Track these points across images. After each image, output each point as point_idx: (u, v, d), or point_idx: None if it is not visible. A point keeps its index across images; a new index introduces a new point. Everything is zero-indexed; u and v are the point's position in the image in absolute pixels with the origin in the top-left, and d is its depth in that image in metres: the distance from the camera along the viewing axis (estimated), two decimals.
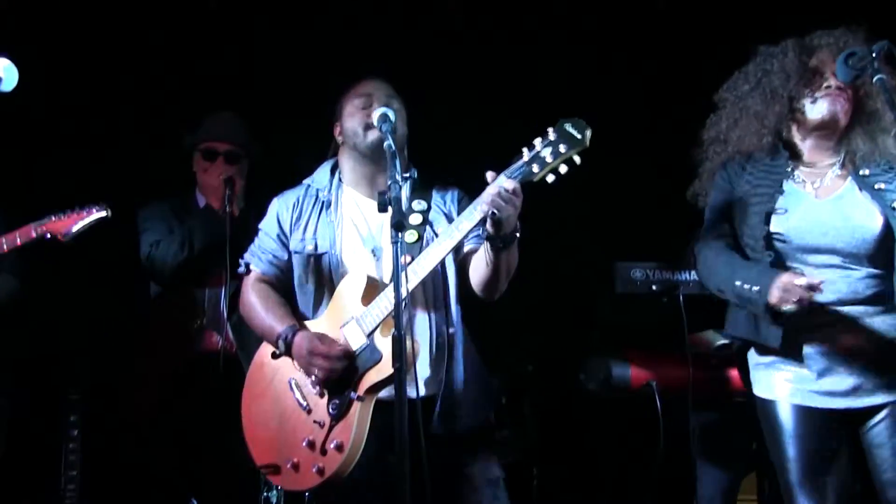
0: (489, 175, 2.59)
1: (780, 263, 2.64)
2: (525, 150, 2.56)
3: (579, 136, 2.49)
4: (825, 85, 2.71)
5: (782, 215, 2.66)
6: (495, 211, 2.53)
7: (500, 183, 2.54)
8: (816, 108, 2.71)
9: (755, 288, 2.56)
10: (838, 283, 2.61)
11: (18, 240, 3.27)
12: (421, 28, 4.60)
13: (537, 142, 2.55)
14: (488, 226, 2.60)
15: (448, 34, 4.61)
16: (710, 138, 2.92)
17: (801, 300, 2.47)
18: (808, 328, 2.61)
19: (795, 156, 2.78)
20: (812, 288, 2.47)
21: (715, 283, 2.74)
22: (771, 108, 2.77)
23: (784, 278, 2.51)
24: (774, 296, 2.51)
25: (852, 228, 2.62)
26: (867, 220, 2.62)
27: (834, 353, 2.61)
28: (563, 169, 2.52)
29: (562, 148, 2.50)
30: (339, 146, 3.02)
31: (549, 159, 2.51)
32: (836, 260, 2.63)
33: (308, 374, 2.79)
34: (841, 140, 2.76)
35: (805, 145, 2.78)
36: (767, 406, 2.71)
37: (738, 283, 2.61)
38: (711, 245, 2.79)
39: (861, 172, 2.72)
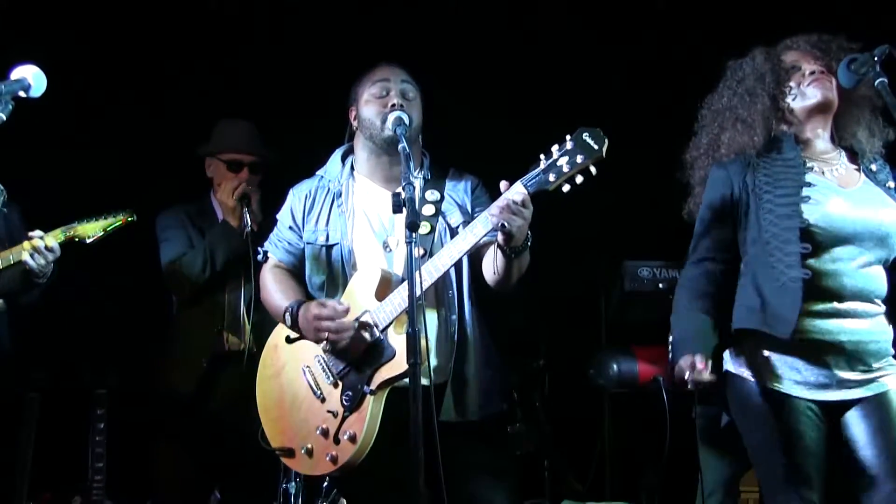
0: (503, 185, 2.59)
1: (812, 255, 2.57)
2: (542, 157, 2.56)
3: (596, 147, 2.48)
4: (808, 72, 2.73)
5: (814, 205, 2.60)
6: (505, 223, 2.53)
7: (510, 196, 2.55)
8: (808, 95, 2.72)
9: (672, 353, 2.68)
10: (855, 276, 2.59)
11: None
12: (426, 15, 4.63)
13: (554, 149, 2.54)
14: (499, 237, 2.61)
15: (453, 22, 4.63)
16: (694, 156, 2.89)
17: (686, 384, 2.58)
18: (820, 316, 2.58)
19: (804, 147, 2.76)
20: (695, 375, 2.56)
21: (672, 322, 2.81)
22: (753, 107, 2.75)
23: (682, 361, 2.60)
24: (676, 372, 2.63)
25: (878, 221, 2.62)
26: (888, 215, 2.63)
27: (828, 345, 2.57)
28: (578, 179, 2.51)
29: (578, 158, 2.49)
30: (355, 131, 3.02)
31: (565, 169, 2.50)
32: (858, 252, 2.60)
33: (317, 341, 2.80)
34: (841, 134, 2.77)
35: (806, 137, 2.76)
36: (742, 385, 2.65)
37: (671, 336, 2.73)
38: (688, 275, 2.78)
39: (870, 167, 2.74)
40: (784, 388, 2.60)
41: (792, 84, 2.76)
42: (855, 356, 2.59)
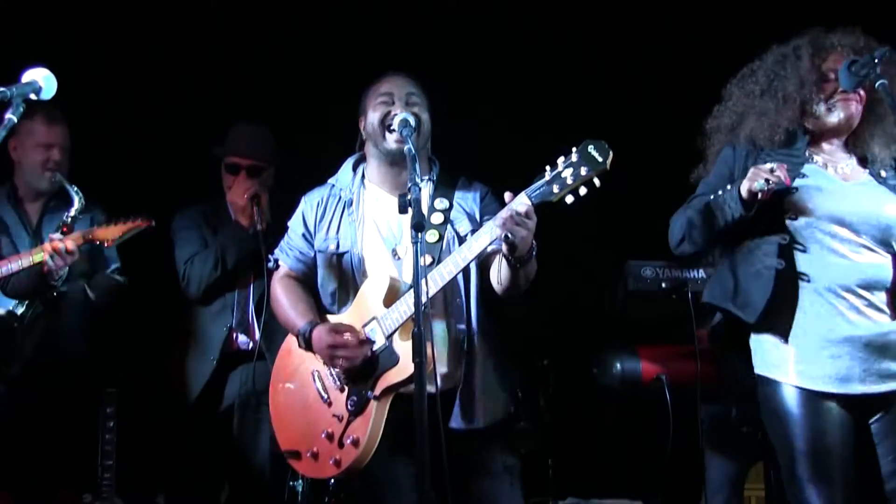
0: (507, 196, 2.61)
1: (792, 246, 2.63)
2: (547, 168, 2.57)
3: (601, 160, 2.48)
4: (840, 90, 2.74)
5: (804, 197, 2.65)
6: (508, 234, 2.54)
7: (514, 206, 2.56)
8: (833, 114, 2.76)
9: (728, 187, 2.63)
10: (863, 268, 2.62)
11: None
12: (435, 24, 4.69)
13: (560, 161, 2.55)
14: (503, 247, 2.62)
15: (462, 32, 4.68)
16: (714, 128, 2.94)
17: (769, 179, 2.51)
18: (836, 310, 2.60)
19: (813, 142, 2.81)
20: (774, 172, 2.52)
21: (682, 219, 2.79)
22: (783, 112, 2.79)
23: (752, 169, 2.58)
24: (745, 184, 2.57)
25: (878, 214, 2.65)
26: (890, 209, 2.66)
27: (841, 338, 2.60)
28: (582, 191, 2.52)
29: (583, 170, 2.50)
30: (365, 141, 3.05)
31: (569, 181, 2.51)
32: (856, 240, 2.64)
33: (332, 366, 2.87)
34: (856, 141, 2.81)
35: (819, 139, 2.82)
36: (770, 386, 2.68)
37: (712, 198, 2.67)
38: (693, 203, 2.82)
39: (880, 172, 2.77)
40: (807, 384, 2.62)
41: (825, 95, 2.78)
42: (882, 348, 2.60)
